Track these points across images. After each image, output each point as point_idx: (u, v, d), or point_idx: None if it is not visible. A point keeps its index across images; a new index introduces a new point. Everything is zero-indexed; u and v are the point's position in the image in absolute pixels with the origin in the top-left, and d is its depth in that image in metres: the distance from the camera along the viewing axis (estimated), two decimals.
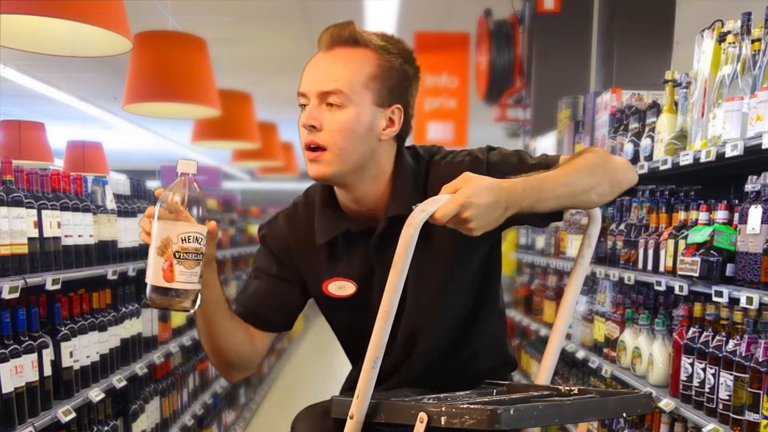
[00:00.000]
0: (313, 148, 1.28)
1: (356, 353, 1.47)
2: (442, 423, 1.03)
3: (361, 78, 1.27)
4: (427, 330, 1.37)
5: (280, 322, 1.45)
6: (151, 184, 3.55)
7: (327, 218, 1.37)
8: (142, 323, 2.89)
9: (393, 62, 1.29)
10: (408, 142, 1.42)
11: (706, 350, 2.00)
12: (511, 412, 1.00)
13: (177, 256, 1.12)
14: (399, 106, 1.31)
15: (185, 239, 1.13)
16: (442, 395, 1.23)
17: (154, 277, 1.13)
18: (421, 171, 1.36)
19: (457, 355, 1.41)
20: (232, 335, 1.35)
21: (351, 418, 1.14)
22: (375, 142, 1.29)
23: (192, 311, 1.20)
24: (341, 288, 1.38)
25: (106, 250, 2.61)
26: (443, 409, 1.04)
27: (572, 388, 1.24)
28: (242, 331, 1.38)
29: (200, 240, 1.15)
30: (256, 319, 1.41)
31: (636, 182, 1.33)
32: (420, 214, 1.07)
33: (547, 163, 1.29)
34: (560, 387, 1.26)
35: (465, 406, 1.03)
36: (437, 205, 1.07)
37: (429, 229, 1.11)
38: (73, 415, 2.13)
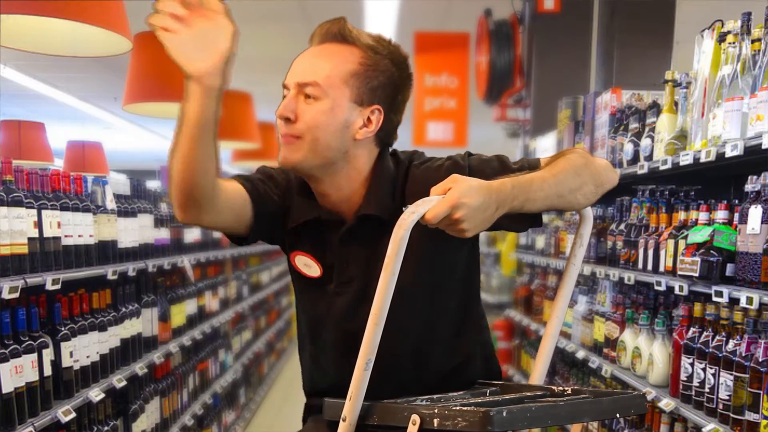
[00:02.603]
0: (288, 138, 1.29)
1: (311, 353, 1.44)
2: (435, 425, 1.03)
3: (341, 73, 1.26)
4: (409, 329, 1.36)
5: (254, 209, 1.34)
6: (151, 184, 3.55)
7: (300, 203, 1.36)
8: (142, 323, 2.90)
9: (379, 63, 1.29)
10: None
11: (706, 350, 1.99)
12: (504, 414, 0.99)
13: None
14: (379, 107, 1.30)
15: None
16: (435, 396, 1.23)
17: None
18: (400, 175, 1.35)
19: (449, 363, 1.41)
20: (210, 163, 1.20)
21: (344, 420, 1.14)
22: (349, 141, 1.29)
23: None
24: (307, 266, 1.37)
25: (106, 250, 2.61)
26: (436, 411, 1.04)
27: (566, 389, 1.24)
28: (216, 168, 1.23)
29: None
30: (251, 186, 1.33)
31: (617, 183, 1.34)
32: (410, 215, 1.06)
33: (529, 166, 1.29)
34: (554, 387, 1.26)
35: (457, 408, 1.03)
36: (428, 206, 1.07)
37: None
38: (73, 415, 2.13)
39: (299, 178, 1.38)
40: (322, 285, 1.37)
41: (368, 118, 1.30)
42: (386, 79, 1.30)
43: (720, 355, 1.93)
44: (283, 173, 1.41)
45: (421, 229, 1.13)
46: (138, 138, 10.58)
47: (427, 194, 1.10)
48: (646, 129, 2.57)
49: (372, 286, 1.13)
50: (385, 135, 1.33)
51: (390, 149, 1.39)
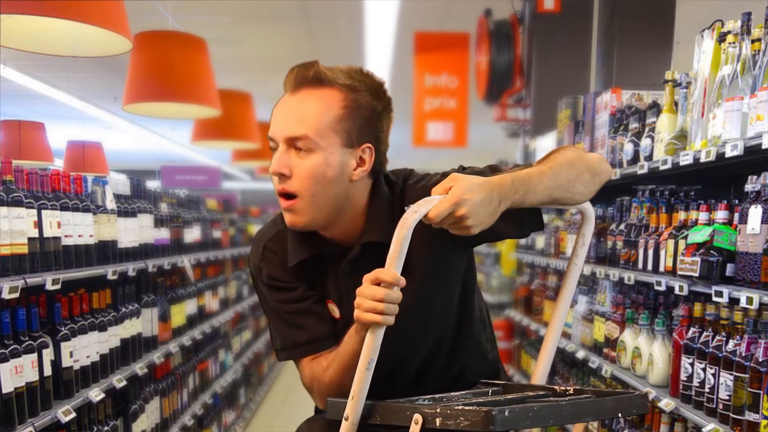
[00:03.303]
0: (286, 195, 1.28)
1: None
2: (437, 424, 1.04)
3: (327, 121, 1.25)
4: (414, 348, 1.37)
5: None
6: (151, 184, 3.55)
7: (299, 240, 1.35)
8: (142, 323, 2.90)
9: (360, 100, 1.27)
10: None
11: (706, 350, 1.99)
12: (506, 413, 1.00)
13: None
14: (369, 144, 1.29)
15: None
16: (437, 396, 1.23)
17: None
18: (396, 197, 1.35)
19: (447, 370, 1.41)
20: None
21: (346, 419, 1.15)
22: (347, 184, 1.29)
23: None
24: (332, 310, 1.38)
25: (106, 250, 2.61)
26: (438, 410, 1.04)
27: (568, 388, 1.24)
28: None
29: None
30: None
31: (612, 173, 1.34)
32: (413, 215, 1.06)
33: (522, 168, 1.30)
34: (556, 387, 1.26)
35: (460, 407, 1.03)
36: (430, 206, 1.07)
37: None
38: (73, 415, 2.13)
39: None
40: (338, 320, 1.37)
41: (360, 158, 1.29)
42: (369, 114, 1.28)
43: (720, 355, 1.93)
44: (278, 266, 1.39)
45: (421, 238, 1.13)
46: (138, 138, 10.58)
47: None
48: (646, 129, 2.57)
49: None
50: (378, 165, 1.33)
51: (381, 176, 1.38)
